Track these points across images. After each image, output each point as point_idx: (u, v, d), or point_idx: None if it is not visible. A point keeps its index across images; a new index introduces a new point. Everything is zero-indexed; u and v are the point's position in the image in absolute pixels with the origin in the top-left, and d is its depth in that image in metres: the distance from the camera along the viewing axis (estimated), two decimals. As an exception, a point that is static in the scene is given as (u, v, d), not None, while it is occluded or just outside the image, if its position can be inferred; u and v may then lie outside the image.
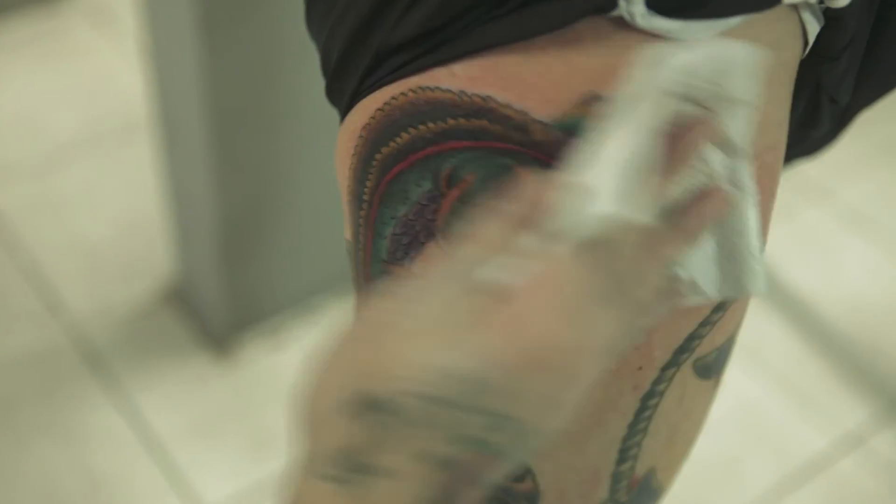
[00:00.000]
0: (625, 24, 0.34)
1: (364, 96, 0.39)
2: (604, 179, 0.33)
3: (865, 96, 0.48)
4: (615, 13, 0.33)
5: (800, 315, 1.51)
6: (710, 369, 0.44)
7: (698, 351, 0.42)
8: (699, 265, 0.37)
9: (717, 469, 1.32)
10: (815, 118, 0.44)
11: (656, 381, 0.41)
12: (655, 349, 0.40)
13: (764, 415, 1.38)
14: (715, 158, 0.36)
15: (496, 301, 0.32)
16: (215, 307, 1.37)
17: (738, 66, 0.35)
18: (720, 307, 0.41)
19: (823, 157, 1.91)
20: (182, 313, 1.43)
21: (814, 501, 1.30)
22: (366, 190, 0.40)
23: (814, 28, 0.39)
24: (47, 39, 1.88)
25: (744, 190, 0.37)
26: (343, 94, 0.40)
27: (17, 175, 1.62)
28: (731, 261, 0.38)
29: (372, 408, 0.32)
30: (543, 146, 0.35)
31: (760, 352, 1.45)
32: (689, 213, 0.35)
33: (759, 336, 1.47)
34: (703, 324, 0.41)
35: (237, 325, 1.39)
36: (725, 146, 0.36)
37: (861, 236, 1.66)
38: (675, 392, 0.42)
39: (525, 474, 0.43)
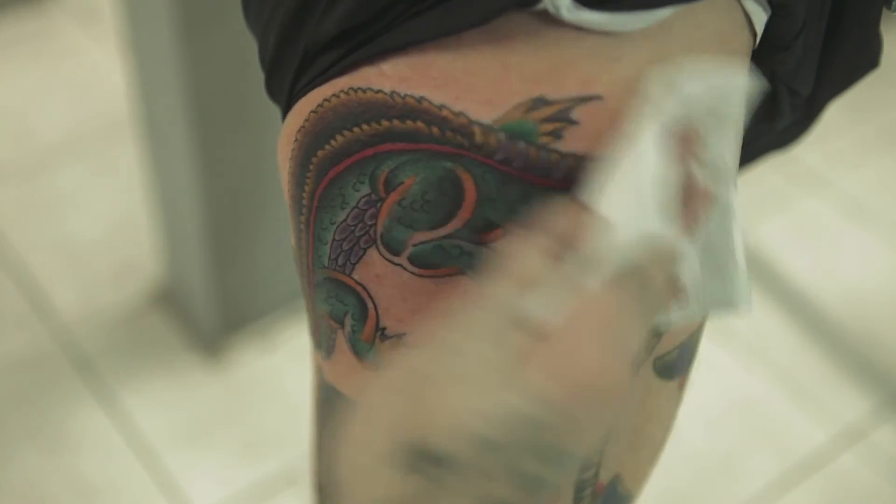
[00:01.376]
0: (552, 18, 0.33)
1: (298, 97, 0.38)
2: (625, 205, 0.33)
3: (832, 86, 0.47)
4: (540, 7, 0.32)
5: (798, 307, 1.51)
6: (673, 369, 0.43)
7: (658, 349, 0.41)
8: (689, 279, 0.37)
9: (717, 464, 1.31)
10: (774, 110, 0.43)
11: None
12: None
13: (763, 409, 1.37)
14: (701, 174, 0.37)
15: (539, 339, 0.32)
16: (204, 309, 1.37)
17: (736, 92, 0.35)
18: None
19: (822, 146, 1.89)
20: (171, 316, 1.43)
21: (814, 496, 1.29)
22: (304, 194, 0.39)
23: (760, 17, 0.38)
24: (35, 39, 1.88)
25: (730, 208, 0.37)
26: (280, 93, 0.40)
27: (4, 176, 1.62)
28: (718, 277, 0.38)
29: (425, 459, 0.32)
30: (485, 149, 0.34)
31: (759, 345, 1.44)
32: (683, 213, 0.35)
33: (757, 329, 1.46)
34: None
35: (226, 327, 1.38)
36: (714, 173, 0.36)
37: (860, 226, 1.65)
38: (636, 394, 0.42)
39: None
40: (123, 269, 1.49)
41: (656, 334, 0.40)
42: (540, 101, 0.34)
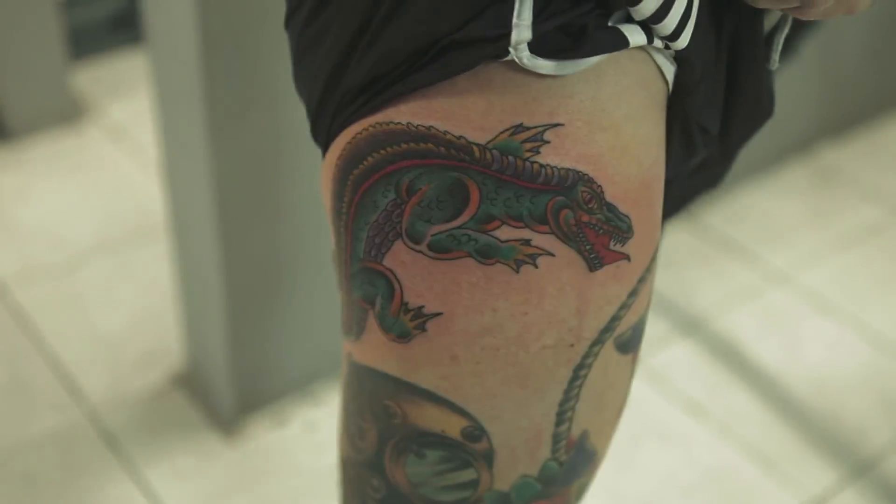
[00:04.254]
0: (517, 66, 0.44)
1: (336, 135, 0.49)
2: None
3: (739, 131, 0.57)
4: (508, 58, 0.44)
5: (767, 388, 1.59)
6: (628, 345, 0.52)
7: (618, 330, 0.51)
8: None
9: (695, 535, 1.37)
10: (690, 145, 0.53)
11: (586, 356, 0.50)
12: (585, 330, 0.49)
13: (735, 479, 1.44)
14: None
15: None
16: (222, 391, 1.42)
17: None
18: (633, 292, 0.50)
19: (787, 248, 2.01)
20: (191, 397, 1.49)
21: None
22: (343, 205, 0.50)
23: (669, 69, 0.49)
24: (71, 154, 1.98)
25: None
26: (322, 133, 0.51)
27: (40, 276, 1.70)
28: None
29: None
30: (483, 162, 0.45)
31: (730, 422, 1.52)
32: None
33: (729, 407, 1.54)
34: (621, 307, 0.50)
35: (243, 407, 1.43)
36: None
37: (822, 316, 1.74)
38: (601, 364, 0.51)
39: (481, 434, 0.51)
40: (148, 356, 1.55)
41: (618, 318, 0.50)
42: (520, 127, 0.45)
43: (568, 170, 0.46)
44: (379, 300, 0.50)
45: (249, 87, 1.17)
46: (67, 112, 2.04)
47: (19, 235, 1.79)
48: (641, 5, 0.44)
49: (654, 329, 1.67)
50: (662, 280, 1.68)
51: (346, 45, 0.47)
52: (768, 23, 0.55)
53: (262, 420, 1.47)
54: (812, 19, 0.48)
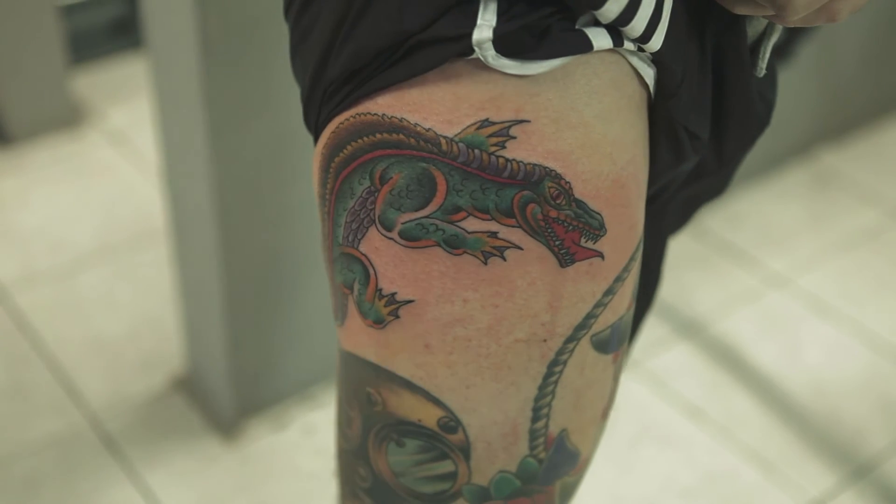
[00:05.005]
0: (484, 64, 0.46)
1: (324, 125, 0.51)
2: None
3: (734, 141, 0.58)
4: (473, 56, 0.45)
5: (766, 391, 1.59)
6: (607, 345, 0.53)
7: (594, 328, 0.51)
8: None
9: (695, 538, 1.38)
10: (678, 149, 0.54)
11: (560, 352, 0.51)
12: (558, 326, 0.50)
13: (734, 484, 1.45)
14: None
15: None
16: (221, 395, 1.43)
17: None
18: (609, 291, 0.51)
19: (787, 252, 2.01)
20: (191, 401, 1.50)
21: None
22: (326, 192, 0.52)
23: (647, 72, 0.49)
24: (70, 158, 1.99)
25: None
26: (312, 122, 0.53)
27: (40, 280, 1.71)
28: None
29: None
30: (450, 154, 0.47)
31: (730, 425, 1.53)
32: None
33: (728, 410, 1.55)
34: (596, 305, 0.51)
35: (242, 411, 1.44)
36: None
37: (821, 319, 1.74)
38: (577, 362, 0.52)
39: (456, 426, 0.52)
40: (148, 360, 1.56)
41: (593, 316, 0.51)
42: (487, 122, 0.46)
43: (534, 165, 0.47)
44: (356, 285, 0.51)
45: (249, 92, 1.17)
46: (67, 117, 2.05)
47: (19, 240, 1.80)
48: (605, 8, 0.45)
49: (654, 332, 1.68)
50: (662, 283, 1.69)
51: (328, 39, 0.49)
52: (755, 30, 0.55)
53: (262, 424, 1.47)
54: (791, 26, 0.49)
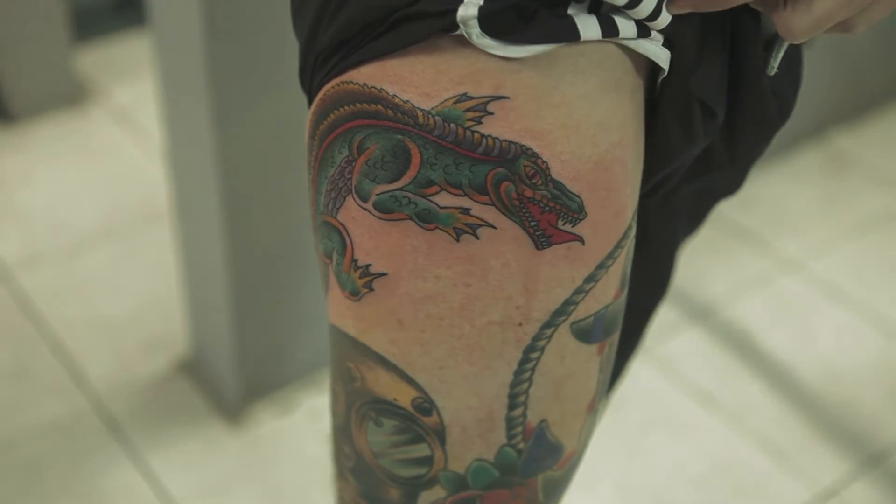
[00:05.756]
0: (466, 40, 0.45)
1: (316, 91, 0.51)
2: None
3: (750, 133, 0.56)
4: (458, 32, 0.45)
5: (778, 378, 1.58)
6: (589, 334, 0.52)
7: (574, 315, 0.50)
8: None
9: (705, 526, 1.37)
10: (689, 128, 0.52)
11: (536, 338, 0.50)
12: (534, 310, 0.49)
13: (746, 470, 1.44)
14: None
15: None
16: (227, 378, 1.42)
17: None
18: (591, 278, 0.50)
19: (799, 236, 2.00)
20: (196, 384, 1.50)
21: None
22: (312, 159, 0.51)
23: (650, 49, 0.48)
24: (75, 137, 1.98)
25: None
26: (305, 85, 0.52)
27: (44, 261, 1.70)
28: None
29: None
30: (426, 127, 0.46)
31: (741, 412, 1.52)
32: None
33: (740, 398, 1.54)
34: (576, 292, 0.49)
35: (247, 394, 1.44)
36: None
37: (835, 305, 1.73)
38: (556, 350, 0.51)
39: (430, 408, 0.51)
40: (153, 342, 1.56)
41: (573, 303, 0.50)
42: (464, 97, 0.45)
43: (511, 142, 0.46)
44: (335, 255, 0.51)
45: (255, 70, 1.16)
46: (71, 94, 2.04)
47: (23, 219, 1.79)
48: None
49: (664, 317, 1.66)
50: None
51: (319, 9, 0.49)
52: (771, 28, 0.53)
53: (268, 408, 1.47)
54: (796, 42, 0.48)
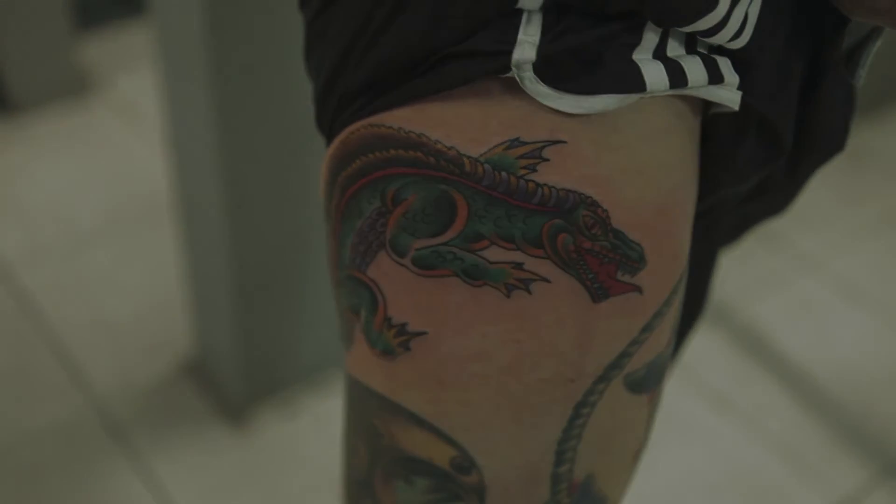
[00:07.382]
0: (516, 83, 0.41)
1: (336, 133, 0.47)
2: None
3: (815, 152, 0.53)
4: (508, 75, 0.41)
5: (795, 381, 1.55)
6: (641, 385, 0.49)
7: (628, 367, 0.47)
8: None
9: (719, 533, 1.35)
10: (770, 151, 0.49)
11: (588, 393, 0.46)
12: (588, 365, 0.46)
13: (763, 477, 1.41)
14: None
15: None
16: (231, 382, 1.41)
17: None
18: (647, 327, 0.46)
19: (817, 233, 1.96)
20: (199, 387, 1.47)
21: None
22: (331, 207, 0.47)
23: (727, 95, 0.44)
24: (77, 131, 1.96)
25: None
26: (325, 128, 0.48)
27: (44, 258, 1.68)
28: None
29: None
30: (474, 176, 0.42)
31: (758, 418, 1.49)
32: None
33: (756, 402, 1.50)
34: (632, 343, 0.46)
35: (251, 397, 1.42)
36: None
37: (854, 305, 1.70)
38: (607, 404, 0.47)
39: (471, 467, 0.48)
40: (155, 343, 1.53)
41: (628, 354, 0.47)
42: (517, 142, 0.42)
43: (568, 191, 0.42)
44: (363, 312, 0.47)
45: (259, 63, 1.13)
46: (73, 85, 2.02)
47: (23, 214, 1.77)
48: (695, 25, 0.40)
49: (679, 318, 1.63)
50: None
51: (345, 46, 0.45)
52: (855, 36, 0.50)
53: (271, 411, 1.45)
54: None
